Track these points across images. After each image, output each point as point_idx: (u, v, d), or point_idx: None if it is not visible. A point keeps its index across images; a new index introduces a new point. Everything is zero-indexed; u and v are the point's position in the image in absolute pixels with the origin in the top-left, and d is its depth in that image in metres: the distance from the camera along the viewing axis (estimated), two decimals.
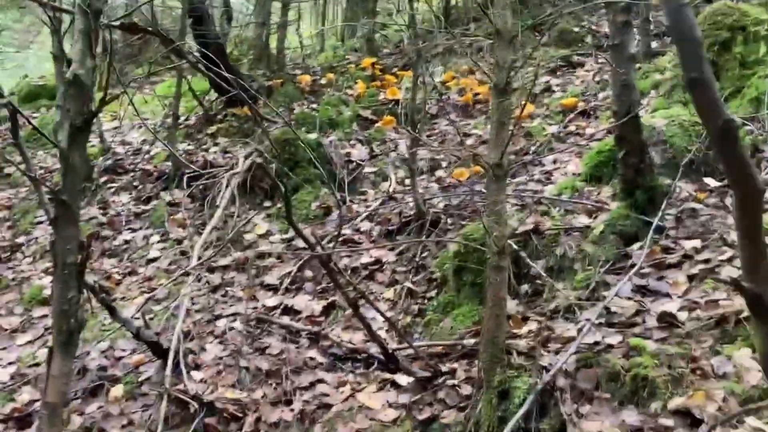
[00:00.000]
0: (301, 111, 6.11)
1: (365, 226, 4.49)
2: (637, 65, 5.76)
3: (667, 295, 2.92)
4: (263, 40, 6.67)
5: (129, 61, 7.81)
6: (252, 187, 5.10)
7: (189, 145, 6.42)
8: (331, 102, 6.23)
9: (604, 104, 5.33)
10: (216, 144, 6.26)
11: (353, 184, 5.06)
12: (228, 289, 4.07)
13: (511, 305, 3.24)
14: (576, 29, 7.56)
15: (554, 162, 4.84)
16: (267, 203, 5.00)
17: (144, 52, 7.66)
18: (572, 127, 5.20)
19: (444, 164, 5.21)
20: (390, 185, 4.96)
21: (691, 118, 3.98)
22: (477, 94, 6.03)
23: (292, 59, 7.93)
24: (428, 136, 5.71)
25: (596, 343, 2.72)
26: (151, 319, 3.72)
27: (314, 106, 6.27)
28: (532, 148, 5.05)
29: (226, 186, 4.87)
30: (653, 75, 5.46)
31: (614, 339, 2.73)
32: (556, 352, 2.76)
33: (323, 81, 6.69)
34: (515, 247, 3.40)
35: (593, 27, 7.73)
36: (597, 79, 5.84)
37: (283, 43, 6.80)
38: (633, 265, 3.12)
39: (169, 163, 5.66)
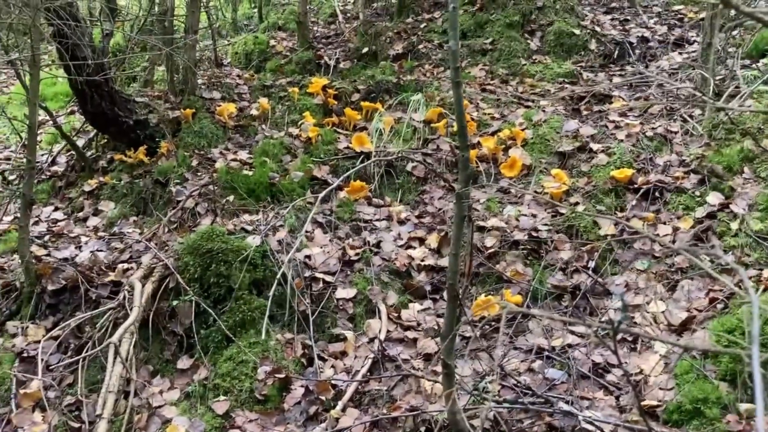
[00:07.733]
0: (224, 166, 4.16)
1: (348, 425, 2.72)
2: (708, 105, 4.19)
3: None
4: (168, 46, 4.57)
5: None
6: (156, 327, 3.19)
7: (55, 210, 4.35)
8: (269, 150, 4.31)
9: (671, 177, 3.71)
10: (98, 212, 4.22)
11: (321, 321, 3.25)
12: None
13: None
14: (576, 31, 5.87)
15: (633, 294, 3.20)
16: (182, 363, 3.10)
17: None
18: (636, 221, 3.56)
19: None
20: (381, 326, 3.18)
21: None
22: (477, 143, 4.26)
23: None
24: (418, 216, 3.94)
25: None
26: None
27: (245, 156, 4.32)
28: (591, 263, 3.37)
29: (119, 340, 2.94)
30: (737, 135, 3.88)
31: None
32: None
33: (254, 111, 4.71)
34: None
35: (596, 27, 6.06)
36: (648, 128, 4.20)
37: (193, 53, 4.72)
38: None
39: (18, 261, 3.57)
